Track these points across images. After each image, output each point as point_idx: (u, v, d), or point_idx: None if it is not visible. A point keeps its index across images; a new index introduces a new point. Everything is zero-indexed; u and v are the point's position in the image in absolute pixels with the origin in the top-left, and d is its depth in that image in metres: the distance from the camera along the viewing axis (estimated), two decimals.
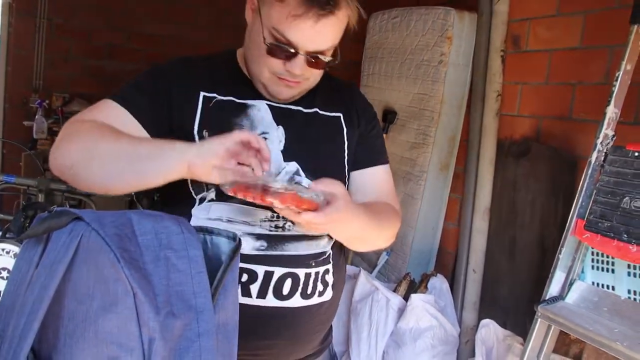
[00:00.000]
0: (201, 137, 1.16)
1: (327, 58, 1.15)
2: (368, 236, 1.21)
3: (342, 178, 1.26)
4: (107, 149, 1.03)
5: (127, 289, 0.68)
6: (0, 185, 2.39)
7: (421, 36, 2.80)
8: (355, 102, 1.36)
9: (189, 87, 1.20)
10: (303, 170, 1.20)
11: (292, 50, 1.10)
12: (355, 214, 1.11)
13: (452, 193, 2.81)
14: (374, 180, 1.33)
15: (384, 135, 2.94)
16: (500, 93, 2.52)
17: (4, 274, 2.69)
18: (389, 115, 2.98)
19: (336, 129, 1.29)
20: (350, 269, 2.89)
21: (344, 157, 1.28)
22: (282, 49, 1.11)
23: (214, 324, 0.75)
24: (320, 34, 1.09)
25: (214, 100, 1.20)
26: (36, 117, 4.15)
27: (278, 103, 1.23)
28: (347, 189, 1.26)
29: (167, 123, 1.17)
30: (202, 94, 1.20)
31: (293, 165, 1.20)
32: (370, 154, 1.34)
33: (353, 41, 3.78)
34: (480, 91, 2.60)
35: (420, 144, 2.77)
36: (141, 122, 1.14)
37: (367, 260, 3.10)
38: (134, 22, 4.70)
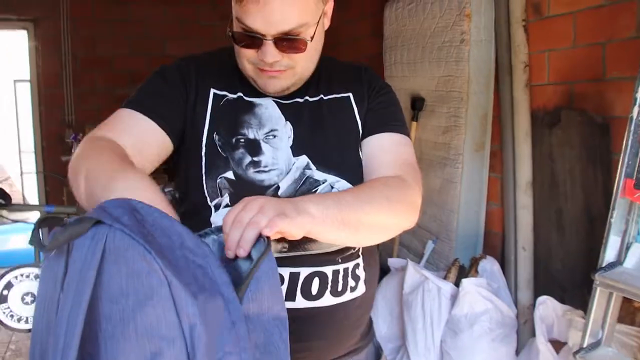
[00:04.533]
0: (210, 139, 1.14)
1: (303, 38, 1.06)
2: (359, 218, 1.01)
3: (357, 161, 1.21)
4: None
5: (161, 279, 0.67)
6: (43, 216, 2.46)
7: (439, 18, 2.75)
8: (365, 79, 1.27)
9: (201, 84, 1.18)
10: (313, 163, 1.16)
11: (255, 36, 1.04)
12: (291, 200, 0.95)
13: (491, 172, 2.74)
14: (379, 148, 1.21)
15: (414, 122, 2.91)
16: (527, 64, 2.45)
17: (28, 299, 2.72)
18: (417, 102, 2.93)
19: (346, 110, 1.23)
20: (397, 261, 2.86)
21: (358, 138, 1.22)
22: (246, 36, 1.05)
23: (242, 313, 0.74)
24: (272, 13, 1.00)
25: (224, 99, 1.18)
26: (72, 151, 4.25)
27: (284, 99, 1.19)
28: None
29: (182, 120, 1.15)
30: (212, 91, 1.18)
31: (303, 160, 1.16)
32: (374, 121, 1.24)
33: (370, 35, 3.78)
34: (506, 65, 2.53)
35: (452, 126, 2.72)
36: (158, 123, 1.11)
37: (413, 251, 3.05)
38: (152, 45, 4.80)
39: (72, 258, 0.68)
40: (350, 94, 1.24)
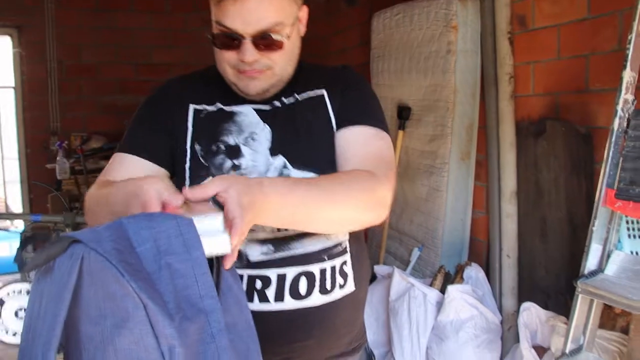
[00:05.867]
0: (193, 151, 1.19)
1: (279, 37, 1.11)
2: (316, 206, 1.01)
3: (333, 157, 1.21)
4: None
5: (136, 302, 0.67)
6: (28, 225, 2.45)
7: (426, 28, 2.80)
8: (341, 77, 1.30)
9: (182, 103, 1.23)
10: (290, 162, 1.19)
11: (234, 36, 1.09)
12: (257, 181, 0.94)
13: (477, 181, 2.78)
14: (350, 141, 1.20)
15: (401, 131, 2.94)
16: (512, 75, 2.50)
17: (21, 314, 2.75)
18: (404, 111, 2.97)
19: (320, 107, 1.25)
20: (383, 268, 2.88)
21: (333, 134, 1.22)
22: (225, 38, 1.11)
23: (224, 324, 0.75)
24: (250, 12, 1.06)
25: (203, 112, 1.23)
26: (57, 158, 4.23)
27: (262, 105, 1.23)
28: None
29: (170, 145, 1.21)
30: (192, 106, 1.23)
31: (280, 160, 1.19)
32: (347, 114, 1.23)
33: (359, 45, 3.82)
34: (491, 76, 2.58)
35: (439, 135, 2.76)
36: (152, 160, 1.19)
37: (400, 258, 3.08)
38: (140, 53, 4.78)
39: (52, 276, 0.69)
40: (324, 91, 1.26)
